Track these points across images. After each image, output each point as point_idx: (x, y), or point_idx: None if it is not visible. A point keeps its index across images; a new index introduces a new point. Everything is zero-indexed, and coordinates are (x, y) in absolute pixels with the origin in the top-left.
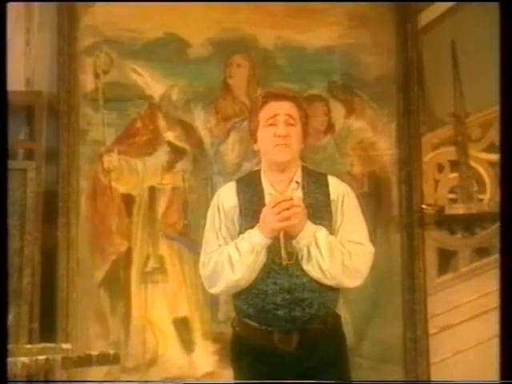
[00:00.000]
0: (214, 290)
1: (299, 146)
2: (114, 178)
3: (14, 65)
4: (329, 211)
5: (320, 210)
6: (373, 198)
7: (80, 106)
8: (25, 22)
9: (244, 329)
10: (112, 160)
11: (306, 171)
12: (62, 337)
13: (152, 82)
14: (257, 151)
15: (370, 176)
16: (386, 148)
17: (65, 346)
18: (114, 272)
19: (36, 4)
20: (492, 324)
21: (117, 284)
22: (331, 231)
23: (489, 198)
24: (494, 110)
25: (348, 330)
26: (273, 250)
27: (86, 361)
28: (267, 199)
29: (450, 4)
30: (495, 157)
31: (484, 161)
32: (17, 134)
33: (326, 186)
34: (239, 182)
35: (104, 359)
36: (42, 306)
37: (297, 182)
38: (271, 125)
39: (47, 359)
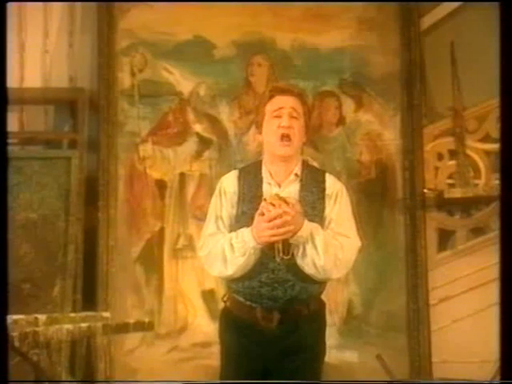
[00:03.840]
0: (210, 271)
1: (301, 140)
2: (149, 166)
3: (59, 64)
4: (322, 204)
5: (314, 202)
6: (379, 183)
7: (118, 101)
8: (68, 26)
9: (232, 303)
10: (147, 149)
11: (305, 165)
12: (102, 306)
13: (182, 80)
14: (260, 141)
15: (377, 163)
16: (391, 138)
17: (105, 314)
18: (149, 249)
19: (78, 9)
20: (486, 295)
21: (151, 260)
22: (322, 223)
23: (483, 183)
24: (488, 104)
25: (357, 300)
26: None
27: (124, 328)
28: (264, 188)
29: (449, 9)
30: (490, 146)
31: (479, 150)
32: (62, 126)
33: (323, 181)
34: (242, 170)
35: (139, 326)
36: (84, 279)
37: (296, 175)
38: (276, 117)
39: (89, 326)
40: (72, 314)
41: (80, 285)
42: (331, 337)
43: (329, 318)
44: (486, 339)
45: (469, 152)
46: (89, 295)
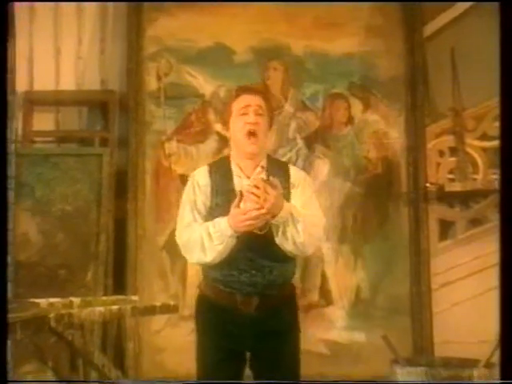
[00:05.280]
0: (188, 259)
1: (266, 136)
2: (173, 162)
3: (92, 69)
4: (288, 192)
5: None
6: (385, 178)
7: (145, 102)
8: (100, 33)
9: (210, 290)
10: (172, 147)
11: (270, 159)
12: (131, 290)
13: (204, 83)
14: (228, 137)
15: (383, 160)
16: (396, 137)
17: (133, 297)
18: (174, 238)
19: (109, 18)
20: (484, 281)
21: (176, 247)
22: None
23: (481, 177)
24: (486, 105)
25: (364, 285)
26: None
27: (151, 310)
28: (236, 180)
29: (450, 17)
30: (487, 144)
31: (477, 147)
32: (94, 126)
33: (287, 171)
34: (211, 165)
35: (165, 309)
36: (114, 266)
37: (262, 167)
38: (243, 114)
39: (119, 309)
40: (104, 298)
41: (111, 270)
42: (341, 319)
43: (338, 302)
44: (483, 321)
45: (468, 149)
46: (119, 280)
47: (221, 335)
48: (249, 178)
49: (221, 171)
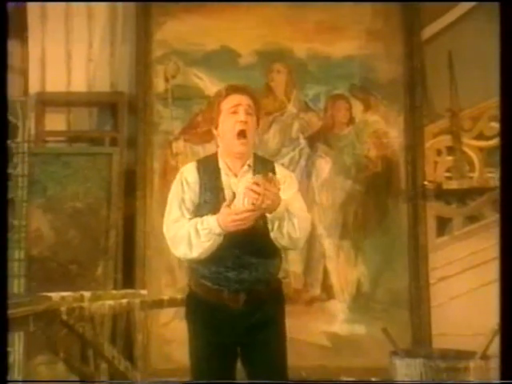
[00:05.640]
0: (175, 253)
1: (254, 135)
2: (180, 161)
3: (102, 71)
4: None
5: None
6: (385, 176)
7: (153, 103)
8: (109, 37)
9: (199, 288)
10: (179, 146)
11: (257, 157)
12: (140, 285)
13: (210, 85)
14: (215, 136)
15: (383, 158)
16: (395, 136)
17: (142, 291)
18: None
19: (119, 22)
20: (480, 276)
21: None
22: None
23: (477, 175)
24: (482, 106)
25: (365, 280)
26: None
27: (159, 303)
28: (223, 178)
29: (447, 22)
30: (483, 143)
31: (474, 146)
32: (104, 126)
33: (273, 169)
34: (199, 162)
35: (173, 302)
36: (124, 261)
37: (249, 166)
38: (233, 113)
39: (128, 302)
40: (113, 292)
41: (120, 265)
42: (342, 312)
43: (340, 296)
44: (479, 314)
45: (464, 148)
46: (128, 275)
47: (211, 331)
48: (236, 176)
49: (209, 168)
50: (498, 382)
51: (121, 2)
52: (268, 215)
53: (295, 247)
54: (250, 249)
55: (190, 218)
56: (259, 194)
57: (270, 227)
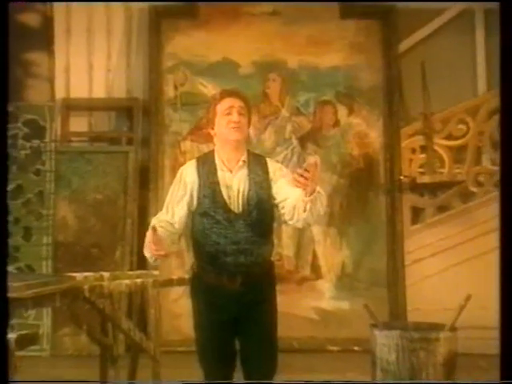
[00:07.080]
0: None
1: (247, 132)
2: (188, 158)
3: (119, 80)
4: (268, 182)
5: (261, 182)
6: (366, 171)
7: (164, 108)
8: (126, 50)
9: (201, 271)
10: (186, 145)
11: (250, 153)
12: (153, 266)
13: (213, 92)
14: (212, 135)
15: (365, 156)
16: (375, 137)
17: (155, 272)
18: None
19: (134, 37)
20: (448, 258)
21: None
22: (271, 197)
23: (447, 171)
24: (451, 110)
25: (348, 262)
26: (224, 208)
27: (169, 282)
28: (219, 174)
29: (421, 36)
30: (452, 143)
31: (444, 146)
32: (121, 127)
33: (265, 164)
34: (198, 159)
35: (181, 281)
36: (138, 245)
37: (244, 161)
38: (227, 114)
39: (142, 281)
40: (129, 272)
41: (135, 249)
42: (328, 290)
43: (327, 276)
44: (448, 292)
45: (436, 147)
46: (142, 257)
47: (212, 308)
48: (231, 171)
49: (207, 164)
50: (498, 382)
51: (136, 19)
52: (304, 198)
53: (309, 225)
54: (247, 236)
55: (184, 214)
56: (308, 179)
57: (286, 217)
